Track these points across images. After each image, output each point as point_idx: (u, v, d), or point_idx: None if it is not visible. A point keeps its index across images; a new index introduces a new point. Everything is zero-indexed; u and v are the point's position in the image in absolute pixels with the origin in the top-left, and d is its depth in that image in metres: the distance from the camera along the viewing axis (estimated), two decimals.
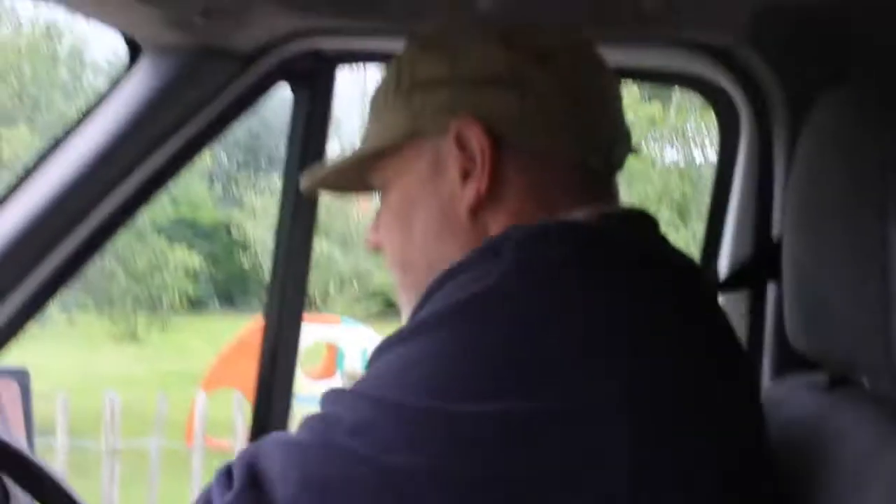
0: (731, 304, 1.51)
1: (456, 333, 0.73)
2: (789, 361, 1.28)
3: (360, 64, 1.64)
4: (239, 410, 7.28)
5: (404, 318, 0.87)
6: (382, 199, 0.97)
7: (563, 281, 0.74)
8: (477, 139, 0.86)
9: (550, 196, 0.87)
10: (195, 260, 15.24)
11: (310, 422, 0.77)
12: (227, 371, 8.66)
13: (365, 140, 0.96)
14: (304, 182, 1.06)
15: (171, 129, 1.44)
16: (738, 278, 1.48)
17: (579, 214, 0.85)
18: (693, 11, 1.41)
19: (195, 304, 15.80)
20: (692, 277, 0.88)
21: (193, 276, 15.42)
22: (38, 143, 11.19)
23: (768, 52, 1.41)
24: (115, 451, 7.30)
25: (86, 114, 1.47)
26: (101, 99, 1.47)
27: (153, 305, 14.38)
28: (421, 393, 0.71)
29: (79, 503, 1.09)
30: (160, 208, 14.17)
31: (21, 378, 1.71)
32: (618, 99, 0.93)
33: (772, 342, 1.44)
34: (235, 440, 7.35)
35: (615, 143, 0.91)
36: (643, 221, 0.88)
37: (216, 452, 7.30)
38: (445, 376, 0.71)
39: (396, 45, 1.55)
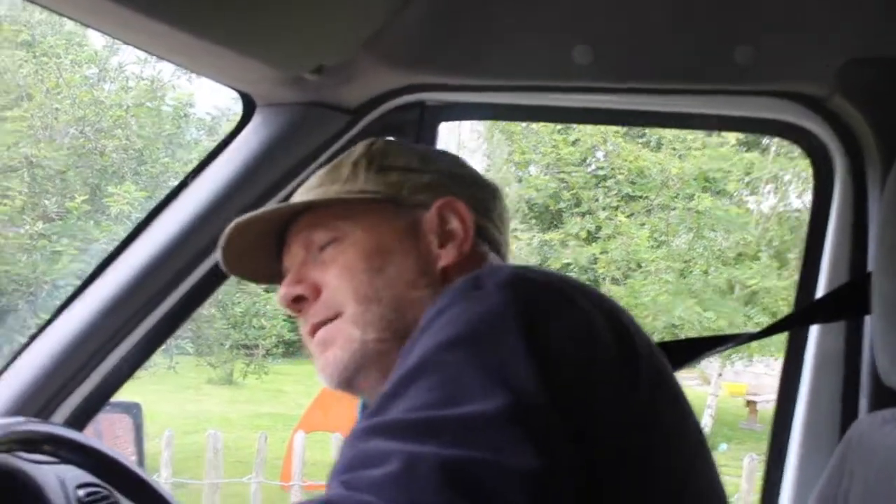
0: (828, 341, 1.52)
1: None
2: (885, 396, 1.28)
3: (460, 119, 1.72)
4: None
5: (349, 347, 1.02)
6: (334, 243, 1.08)
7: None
8: (461, 214, 1.07)
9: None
10: None
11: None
12: (323, 414, 8.73)
13: (326, 193, 1.10)
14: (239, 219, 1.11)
15: (282, 180, 1.51)
16: (832, 310, 1.49)
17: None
18: (785, 63, 1.44)
19: (290, 349, 16.01)
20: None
21: (290, 321, 15.64)
22: (141, 197, 11.41)
23: (859, 99, 1.43)
24: (216, 486, 7.48)
25: (202, 166, 1.55)
26: (217, 151, 1.55)
27: (249, 350, 14.59)
28: None
29: None
30: None
31: (134, 411, 1.82)
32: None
33: (868, 377, 1.45)
34: None
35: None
36: None
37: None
38: None
39: (497, 99, 1.63)
